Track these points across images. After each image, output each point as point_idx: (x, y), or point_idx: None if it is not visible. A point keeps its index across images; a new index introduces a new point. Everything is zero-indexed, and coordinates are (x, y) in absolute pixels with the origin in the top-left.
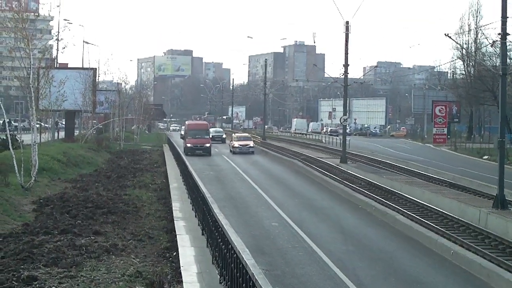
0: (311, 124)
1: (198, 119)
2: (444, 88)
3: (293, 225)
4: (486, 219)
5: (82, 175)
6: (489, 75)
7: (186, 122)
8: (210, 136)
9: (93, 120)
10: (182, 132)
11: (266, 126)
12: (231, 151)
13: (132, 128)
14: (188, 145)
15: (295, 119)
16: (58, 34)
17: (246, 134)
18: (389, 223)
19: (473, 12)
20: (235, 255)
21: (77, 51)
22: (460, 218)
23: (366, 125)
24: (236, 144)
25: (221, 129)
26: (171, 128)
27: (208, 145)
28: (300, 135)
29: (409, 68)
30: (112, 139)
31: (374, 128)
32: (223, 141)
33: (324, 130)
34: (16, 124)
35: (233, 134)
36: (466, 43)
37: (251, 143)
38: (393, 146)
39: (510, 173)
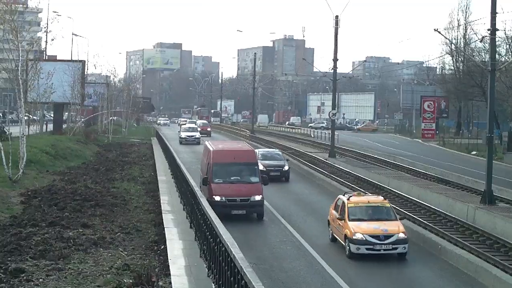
0: (291, 118)
1: (187, 112)
2: (433, 83)
3: (281, 219)
4: (474, 214)
5: (70, 167)
6: (478, 70)
7: (208, 145)
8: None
9: (73, 113)
10: (182, 135)
11: (242, 120)
12: (330, 237)
13: (111, 118)
14: (217, 198)
15: (259, 115)
16: (46, 26)
17: (381, 199)
18: None
19: (463, 7)
20: (223, 248)
21: (66, 43)
22: (448, 213)
23: (356, 120)
24: (359, 233)
25: (278, 152)
26: (162, 122)
27: (258, 198)
28: (289, 129)
29: (398, 63)
30: (100, 132)
31: (355, 121)
32: (285, 177)
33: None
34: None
35: (345, 198)
36: (455, 39)
37: (400, 231)
38: (381, 141)
39: (498, 169)
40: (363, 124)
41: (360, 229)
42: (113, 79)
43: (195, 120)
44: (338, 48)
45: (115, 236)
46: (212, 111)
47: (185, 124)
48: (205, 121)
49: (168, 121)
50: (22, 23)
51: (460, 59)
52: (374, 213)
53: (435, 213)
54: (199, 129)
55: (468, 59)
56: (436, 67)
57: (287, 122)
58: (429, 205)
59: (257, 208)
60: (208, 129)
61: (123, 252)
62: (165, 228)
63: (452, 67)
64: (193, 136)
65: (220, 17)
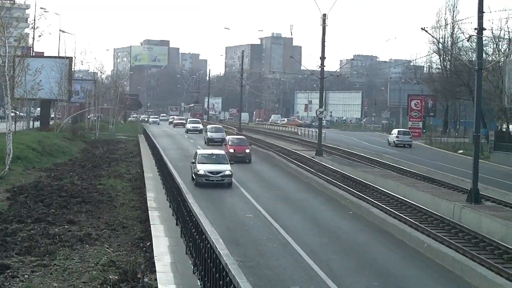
0: (272, 116)
1: (174, 109)
2: (420, 82)
3: (268, 217)
4: (460, 213)
5: (56, 164)
6: (465, 69)
7: None
8: None
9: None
10: (199, 170)
11: (228, 118)
12: None
13: (89, 116)
14: None
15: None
16: (34, 22)
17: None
18: (363, 215)
19: (450, 6)
20: (208, 245)
21: (53, 40)
22: (434, 212)
23: (343, 118)
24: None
25: None
26: (150, 120)
27: None
28: (276, 127)
29: (385, 61)
30: (87, 128)
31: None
32: None
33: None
34: None
35: None
36: (442, 38)
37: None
38: (368, 139)
39: (484, 168)
40: (289, 119)
41: None
42: (101, 75)
43: (198, 119)
44: (325, 47)
45: (101, 233)
46: None
47: (187, 124)
48: (241, 137)
49: (158, 119)
50: (9, 19)
51: (447, 58)
52: None
53: (421, 211)
54: (231, 150)
55: (455, 58)
56: (423, 66)
57: (257, 119)
58: (415, 203)
59: None
60: (247, 150)
61: (109, 248)
62: (151, 225)
63: (439, 66)
64: (220, 172)
65: (207, 14)
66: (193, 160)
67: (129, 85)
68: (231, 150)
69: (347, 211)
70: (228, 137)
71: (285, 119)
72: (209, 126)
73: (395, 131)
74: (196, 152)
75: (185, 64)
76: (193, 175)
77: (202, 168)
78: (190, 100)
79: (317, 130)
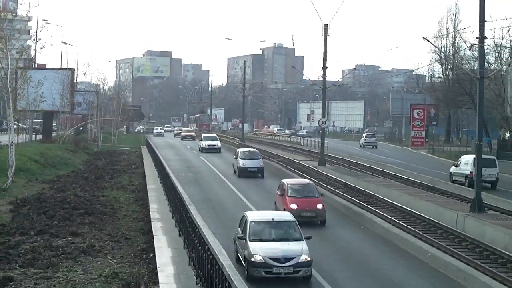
0: (271, 126)
1: (177, 120)
2: (422, 91)
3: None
4: (464, 222)
5: (59, 176)
6: (467, 78)
7: None
8: None
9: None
10: (256, 258)
11: (230, 128)
12: None
13: (88, 126)
14: None
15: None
16: (36, 34)
17: None
18: (366, 225)
19: (452, 15)
20: (211, 256)
21: (56, 51)
22: (437, 221)
23: (346, 128)
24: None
25: None
26: (155, 132)
27: None
28: (278, 137)
29: (387, 71)
30: (90, 140)
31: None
32: None
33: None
34: None
35: None
36: (444, 47)
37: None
38: (371, 148)
39: None
40: (264, 128)
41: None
42: (103, 87)
43: (214, 135)
44: (327, 56)
45: (104, 244)
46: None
47: (202, 140)
48: (307, 182)
49: (163, 131)
50: (12, 31)
51: (449, 67)
52: None
53: (425, 220)
54: (293, 205)
55: (457, 67)
56: (425, 75)
57: (254, 129)
58: (418, 212)
59: None
60: (319, 206)
61: (112, 260)
62: (154, 236)
63: (442, 75)
64: (292, 257)
65: (209, 25)
66: (240, 233)
67: (132, 96)
68: (293, 207)
69: (350, 221)
70: (286, 182)
71: (274, 129)
72: (240, 150)
73: (363, 135)
74: (243, 217)
75: (187, 75)
76: (242, 260)
77: (260, 251)
78: (192, 111)
79: (318, 140)
